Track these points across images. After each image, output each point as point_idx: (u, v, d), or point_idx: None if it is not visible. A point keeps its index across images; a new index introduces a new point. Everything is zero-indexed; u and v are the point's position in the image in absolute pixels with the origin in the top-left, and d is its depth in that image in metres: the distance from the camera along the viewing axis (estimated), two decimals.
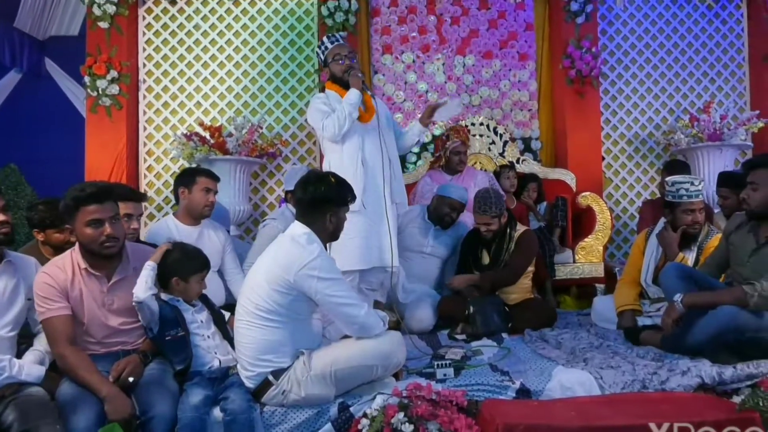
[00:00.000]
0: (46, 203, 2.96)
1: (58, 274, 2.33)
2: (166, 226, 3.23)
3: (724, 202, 3.67)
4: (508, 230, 3.61)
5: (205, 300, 2.61)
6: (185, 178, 3.26)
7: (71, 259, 2.39)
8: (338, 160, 3.32)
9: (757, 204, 2.69)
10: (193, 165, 4.39)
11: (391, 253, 3.25)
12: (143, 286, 2.35)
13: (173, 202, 4.93)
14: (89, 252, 2.36)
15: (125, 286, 2.42)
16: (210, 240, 3.23)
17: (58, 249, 2.84)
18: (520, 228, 3.69)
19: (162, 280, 2.49)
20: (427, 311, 3.60)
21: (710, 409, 2.21)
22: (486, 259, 3.64)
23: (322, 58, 3.50)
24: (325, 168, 3.35)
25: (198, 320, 2.50)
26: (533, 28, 5.35)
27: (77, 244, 2.40)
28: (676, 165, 4.37)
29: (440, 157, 4.55)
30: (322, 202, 2.47)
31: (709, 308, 2.64)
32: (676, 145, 5.00)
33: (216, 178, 3.32)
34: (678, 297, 2.71)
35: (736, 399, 2.26)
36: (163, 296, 2.48)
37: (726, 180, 3.68)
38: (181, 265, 2.50)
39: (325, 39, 3.48)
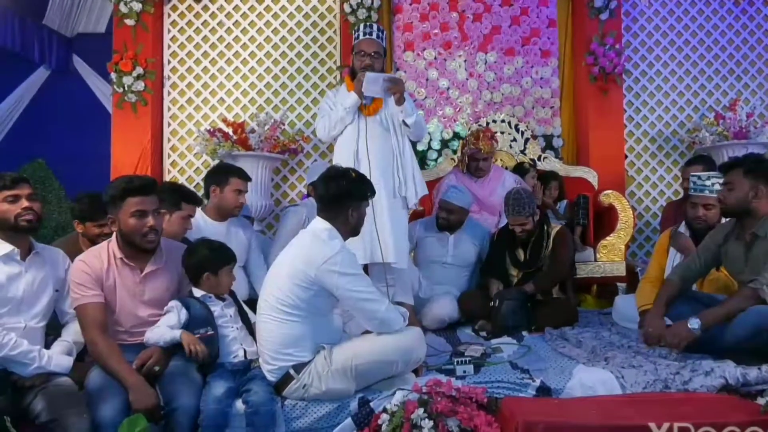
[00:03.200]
0: (90, 197, 3.06)
1: (95, 263, 2.41)
2: (195, 221, 3.27)
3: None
4: (545, 227, 3.61)
5: (234, 297, 2.64)
6: (218, 177, 3.26)
7: (107, 249, 2.46)
8: (337, 152, 3.37)
9: (733, 203, 2.73)
10: (218, 161, 4.43)
11: (380, 249, 3.17)
12: (155, 337, 2.37)
13: None
14: (128, 242, 2.43)
15: (157, 278, 2.50)
16: (237, 237, 3.26)
17: (93, 242, 2.92)
18: (555, 225, 3.69)
19: (193, 277, 2.53)
20: (450, 299, 3.63)
21: (734, 410, 2.18)
22: (522, 256, 3.63)
23: (353, 44, 3.41)
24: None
25: (227, 315, 2.53)
26: (556, 25, 5.30)
27: (114, 235, 2.47)
28: (697, 158, 4.29)
29: (461, 159, 4.53)
30: (344, 197, 2.49)
31: (724, 321, 2.63)
32: (700, 143, 4.92)
33: (248, 179, 3.33)
34: (695, 323, 2.62)
35: (761, 400, 2.23)
36: (196, 293, 2.51)
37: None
38: (210, 260, 2.53)
39: (361, 26, 3.38)
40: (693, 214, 3.17)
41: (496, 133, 4.94)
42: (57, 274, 2.45)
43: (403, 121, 3.31)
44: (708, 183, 3.09)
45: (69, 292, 2.43)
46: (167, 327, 2.38)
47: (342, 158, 3.25)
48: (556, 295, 3.70)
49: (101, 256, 2.45)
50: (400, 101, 3.25)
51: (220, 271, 2.54)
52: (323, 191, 2.50)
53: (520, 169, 4.66)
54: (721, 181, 3.04)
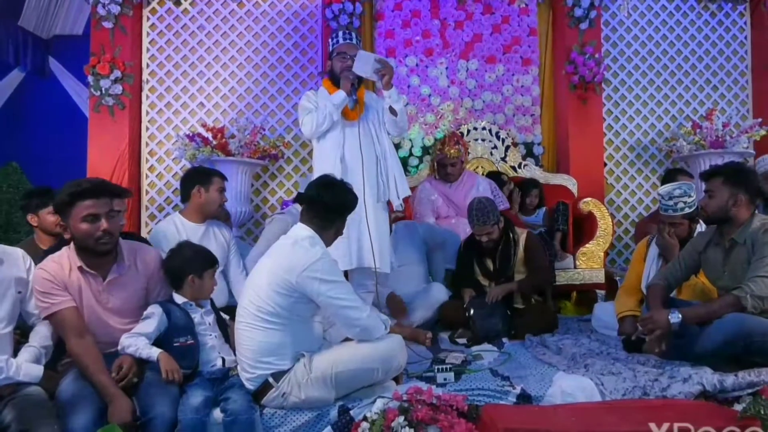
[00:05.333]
0: (38, 189, 3.14)
1: (56, 269, 2.32)
2: (172, 224, 3.21)
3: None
4: (511, 234, 3.59)
5: (212, 304, 2.61)
6: (201, 178, 3.25)
7: (67, 256, 2.37)
8: (319, 158, 3.33)
9: (714, 210, 2.78)
10: (196, 165, 4.37)
11: (372, 254, 3.18)
12: (131, 348, 2.30)
13: (175, 202, 4.95)
14: (84, 249, 2.34)
15: (121, 286, 2.41)
16: (215, 237, 3.23)
17: (53, 235, 2.90)
18: (520, 231, 3.67)
19: (176, 280, 2.49)
20: (435, 283, 3.76)
21: (711, 416, 2.20)
22: (491, 266, 3.62)
23: (330, 49, 3.43)
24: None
25: (206, 322, 2.49)
26: (537, 34, 5.35)
27: (72, 242, 2.38)
28: (671, 173, 4.32)
29: (432, 166, 4.59)
30: (345, 206, 2.52)
31: (704, 322, 2.64)
32: (677, 151, 5.01)
33: (225, 178, 3.38)
34: (676, 316, 2.63)
35: (738, 407, 2.26)
36: (177, 299, 2.47)
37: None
38: (194, 262, 2.49)
39: (339, 32, 3.42)
40: (663, 231, 3.25)
41: (477, 139, 4.99)
42: (18, 274, 2.34)
43: (390, 107, 3.29)
44: (670, 203, 3.15)
45: (33, 292, 2.34)
46: (145, 341, 2.32)
47: (327, 164, 3.22)
48: (534, 301, 3.70)
49: (62, 261, 2.34)
50: (388, 85, 3.23)
51: (205, 273, 2.50)
52: (331, 201, 2.48)
53: (496, 181, 4.69)
54: (685, 199, 3.11)
